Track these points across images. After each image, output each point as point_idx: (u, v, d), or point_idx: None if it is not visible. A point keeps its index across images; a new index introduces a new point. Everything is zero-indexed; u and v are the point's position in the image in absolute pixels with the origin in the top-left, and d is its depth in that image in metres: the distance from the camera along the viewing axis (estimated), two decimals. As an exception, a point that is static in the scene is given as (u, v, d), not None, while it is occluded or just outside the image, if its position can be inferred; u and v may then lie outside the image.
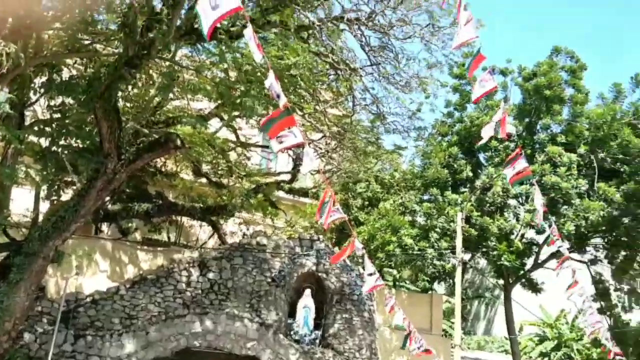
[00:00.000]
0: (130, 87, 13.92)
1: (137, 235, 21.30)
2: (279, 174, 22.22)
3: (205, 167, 19.85)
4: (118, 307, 15.82)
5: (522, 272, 23.82)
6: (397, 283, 28.71)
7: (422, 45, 15.38)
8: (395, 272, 27.68)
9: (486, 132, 12.66)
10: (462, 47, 12.47)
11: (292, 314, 17.71)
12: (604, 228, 22.07)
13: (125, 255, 19.79)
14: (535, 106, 23.90)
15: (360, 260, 16.17)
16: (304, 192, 22.24)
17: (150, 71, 14.59)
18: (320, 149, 20.35)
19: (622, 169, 22.18)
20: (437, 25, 14.97)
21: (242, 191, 18.93)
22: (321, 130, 18.62)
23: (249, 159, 21.04)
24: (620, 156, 22.12)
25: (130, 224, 20.70)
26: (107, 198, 16.96)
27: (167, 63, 13.66)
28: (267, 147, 20.84)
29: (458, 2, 10.44)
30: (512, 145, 22.69)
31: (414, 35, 15.04)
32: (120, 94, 13.33)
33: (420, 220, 23.36)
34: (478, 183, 23.62)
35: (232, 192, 19.36)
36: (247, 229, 22.81)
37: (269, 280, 17.46)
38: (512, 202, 23.52)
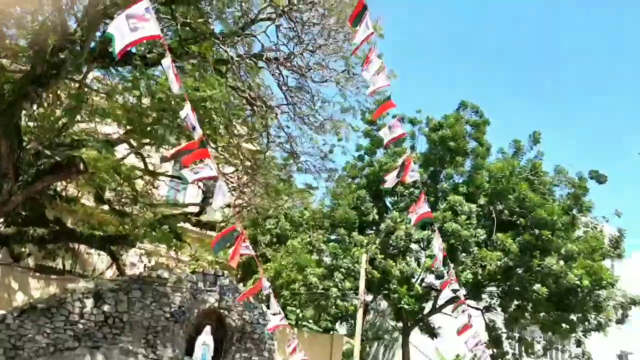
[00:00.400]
0: (35, 106, 13.30)
1: (30, 261, 20.08)
2: (187, 205, 21.77)
3: (108, 194, 19.12)
4: (3, 337, 14.71)
5: (420, 316, 24.43)
6: (299, 322, 28.59)
7: (337, 89, 15.82)
8: (298, 311, 27.62)
9: (391, 178, 13.10)
10: (375, 94, 12.90)
11: (189, 351, 17.14)
12: (499, 277, 23.09)
13: (15, 281, 18.56)
14: (440, 156, 25.00)
15: (264, 298, 16.00)
16: (211, 226, 21.86)
17: (59, 91, 14.02)
18: (232, 182, 20.17)
19: (518, 222, 23.41)
20: (353, 72, 15.46)
21: (146, 221, 18.35)
22: (234, 164, 18.51)
23: (156, 188, 20.49)
24: (517, 209, 23.36)
25: (23, 249, 19.51)
26: (1, 220, 15.94)
27: (77, 84, 13.21)
28: (177, 177, 20.44)
29: (370, 51, 10.83)
30: (416, 191, 23.51)
31: (330, 79, 15.44)
32: (24, 112, 12.71)
33: (327, 259, 23.60)
34: (383, 226, 24.21)
35: (135, 221, 18.72)
36: (149, 261, 22.07)
37: (168, 315, 16.86)
38: (415, 246, 24.26)
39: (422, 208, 13.50)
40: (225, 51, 13.88)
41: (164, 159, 17.15)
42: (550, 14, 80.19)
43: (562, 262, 22.04)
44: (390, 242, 23.23)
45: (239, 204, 20.98)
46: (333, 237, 24.48)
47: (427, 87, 77.55)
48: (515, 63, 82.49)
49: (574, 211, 24.11)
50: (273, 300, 14.68)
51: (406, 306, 22.39)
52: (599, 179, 24.62)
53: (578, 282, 21.69)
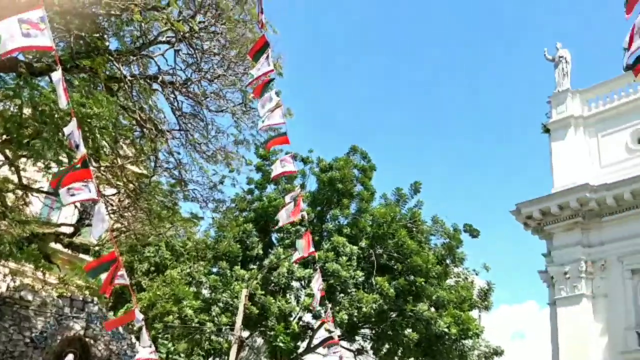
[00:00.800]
0: None
1: None
2: (60, 225, 20.55)
3: (-27, 206, 17.65)
4: None
5: (294, 355, 24.36)
6: (170, 356, 27.53)
7: (233, 120, 15.78)
8: (170, 344, 26.62)
9: (283, 216, 13.23)
10: (268, 130, 13.05)
11: (47, 380, 15.97)
12: (373, 319, 23.62)
13: None
14: (327, 197, 25.49)
15: (135, 329, 15.30)
16: (85, 249, 20.75)
17: None
18: (112, 205, 19.33)
19: (395, 266, 24.21)
20: (250, 105, 15.51)
21: (12, 238, 17.08)
22: (116, 186, 17.78)
23: (28, 204, 19.19)
24: (396, 254, 24.19)
25: None
26: None
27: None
28: (53, 194, 19.29)
29: (258, 79, 10.97)
30: (302, 229, 23.72)
31: (227, 109, 15.39)
32: None
33: (206, 292, 23.04)
34: (267, 262, 24.14)
35: (1, 237, 17.37)
36: (13, 281, 20.47)
37: (28, 340, 15.68)
38: (296, 284, 24.34)
39: (307, 247, 13.71)
40: (119, 69, 13.48)
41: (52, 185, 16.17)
42: (437, 75, 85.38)
43: (433, 309, 22.95)
44: (273, 278, 23.17)
45: (117, 228, 20.12)
46: (214, 269, 24.02)
47: (323, 129, 79.38)
48: (407, 112, 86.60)
49: (448, 261, 25.33)
50: (145, 332, 14.07)
51: (282, 344, 22.26)
52: (472, 232, 26.12)
53: (446, 330, 22.61)
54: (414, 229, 25.15)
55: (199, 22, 13.49)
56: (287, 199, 14.47)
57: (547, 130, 23.41)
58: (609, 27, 64.91)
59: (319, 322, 23.77)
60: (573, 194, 20.63)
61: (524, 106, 78.92)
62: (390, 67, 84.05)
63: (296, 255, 14.78)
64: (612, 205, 20.29)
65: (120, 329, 17.07)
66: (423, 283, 22.91)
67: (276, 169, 13.38)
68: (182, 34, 13.17)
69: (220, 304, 21.80)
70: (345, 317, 21.93)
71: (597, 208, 20.55)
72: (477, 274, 26.63)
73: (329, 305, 18.48)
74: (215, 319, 21.45)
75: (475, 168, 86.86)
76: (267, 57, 11.20)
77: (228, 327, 21.25)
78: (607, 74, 22.86)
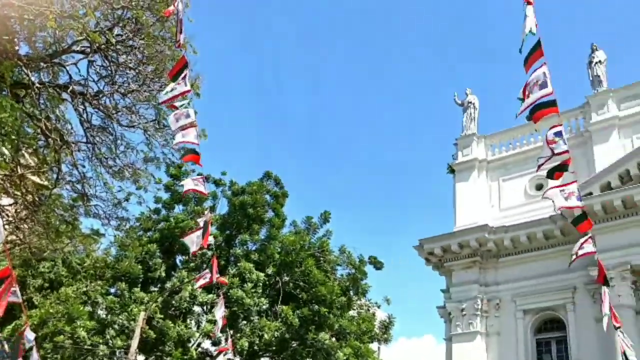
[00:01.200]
0: None
1: None
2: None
3: None
4: None
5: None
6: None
7: (144, 137, 15.39)
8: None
9: (192, 240, 13.05)
10: (180, 148, 12.91)
11: None
12: (274, 348, 23.44)
13: None
14: (237, 221, 25.26)
15: (24, 349, 14.38)
16: (-28, 260, 19.45)
17: None
18: (8, 216, 18.26)
19: (300, 295, 24.22)
20: (163, 123, 15.22)
21: None
22: (14, 196, 16.83)
23: None
24: (302, 283, 24.23)
25: None
26: None
27: None
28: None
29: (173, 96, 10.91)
30: (209, 253, 23.34)
31: (139, 125, 15.01)
32: None
33: (101, 313, 22.08)
34: (169, 284, 23.49)
35: None
36: None
37: None
38: (197, 309, 23.80)
39: (208, 274, 13.59)
40: (27, 75, 12.90)
41: None
42: (346, 106, 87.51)
43: (334, 339, 23.07)
44: (174, 302, 22.55)
45: (12, 240, 19.02)
46: (113, 290, 23.09)
47: (239, 152, 78.94)
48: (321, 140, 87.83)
49: (351, 292, 25.64)
50: (36, 355, 13.31)
51: (177, 371, 21.62)
52: (377, 264, 26.65)
53: (346, 361, 22.77)
54: (322, 259, 25.34)
55: (117, 35, 13.18)
56: (201, 222, 14.33)
57: (452, 171, 24.48)
58: (513, 76, 69.23)
59: (218, 349, 23.31)
60: (473, 233, 21.57)
61: (433, 146, 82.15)
62: (314, 105, 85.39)
63: (201, 282, 14.59)
64: (508, 247, 21.37)
65: (6, 347, 16.03)
66: (326, 313, 23.03)
67: (187, 184, 13.27)
68: (97, 45, 12.81)
69: (116, 326, 20.93)
70: (246, 344, 21.64)
71: (494, 249, 21.56)
72: (378, 307, 27.12)
73: (230, 332, 18.20)
74: (110, 341, 20.55)
75: (385, 203, 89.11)
76: (185, 76, 11.12)
77: (122, 350, 20.40)
78: (512, 122, 24.22)
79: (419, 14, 77.36)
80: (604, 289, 11.90)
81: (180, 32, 10.50)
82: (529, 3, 10.28)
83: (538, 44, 9.97)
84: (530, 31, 9.98)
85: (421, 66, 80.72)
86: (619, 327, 12.02)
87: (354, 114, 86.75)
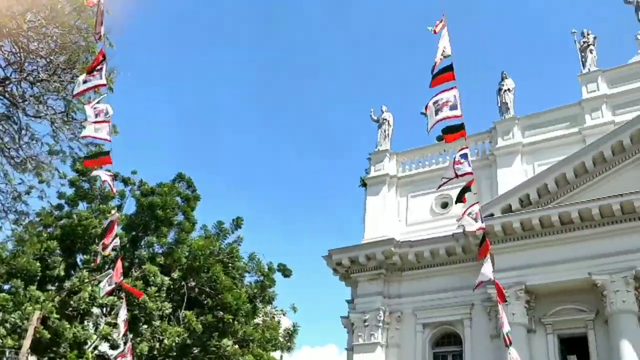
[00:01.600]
0: None
1: None
2: None
3: None
4: None
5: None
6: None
7: (51, 129, 14.80)
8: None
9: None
10: (89, 141, 12.55)
11: None
12: (175, 354, 22.92)
13: None
14: (145, 222, 24.58)
15: None
16: None
17: None
18: None
19: (206, 301, 23.84)
20: (73, 116, 14.71)
21: None
22: None
23: None
24: (208, 289, 23.83)
25: None
26: None
27: None
28: None
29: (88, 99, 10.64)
30: (113, 253, 22.57)
31: (46, 116, 14.43)
32: None
33: (-8, 311, 20.80)
34: (68, 284, 22.49)
35: None
36: None
37: None
38: (96, 310, 22.92)
39: (113, 278, 13.25)
40: None
41: None
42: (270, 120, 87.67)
43: (237, 347, 22.88)
44: (72, 302, 21.59)
45: None
46: (7, 287, 21.85)
47: (152, 152, 76.87)
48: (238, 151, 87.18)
49: (258, 300, 25.53)
50: None
51: (69, 374, 20.71)
52: (285, 272, 26.72)
53: (248, 369, 22.63)
54: (230, 265, 25.08)
55: (29, 21, 12.64)
56: (105, 222, 13.95)
57: (364, 184, 25.07)
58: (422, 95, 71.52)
59: (116, 353, 22.52)
60: (380, 246, 22.15)
61: (353, 158, 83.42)
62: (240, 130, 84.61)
63: (107, 288, 14.17)
64: (412, 261, 22.08)
65: None
66: (231, 320, 22.81)
67: (101, 177, 12.85)
68: (7, 29, 12.22)
69: (8, 325, 19.77)
70: (146, 348, 21.07)
71: (399, 262, 22.22)
72: (284, 314, 27.18)
73: (130, 336, 17.69)
74: (0, 340, 19.40)
75: (298, 212, 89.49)
76: (101, 69, 10.81)
77: (13, 350, 19.32)
78: (423, 141, 25.16)
79: (342, 27, 78.78)
80: (501, 307, 12.36)
81: (101, 24, 10.21)
82: (435, 32, 10.79)
83: (450, 67, 10.47)
84: (443, 53, 10.46)
85: (342, 80, 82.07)
86: (510, 344, 12.61)
87: (275, 124, 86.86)
